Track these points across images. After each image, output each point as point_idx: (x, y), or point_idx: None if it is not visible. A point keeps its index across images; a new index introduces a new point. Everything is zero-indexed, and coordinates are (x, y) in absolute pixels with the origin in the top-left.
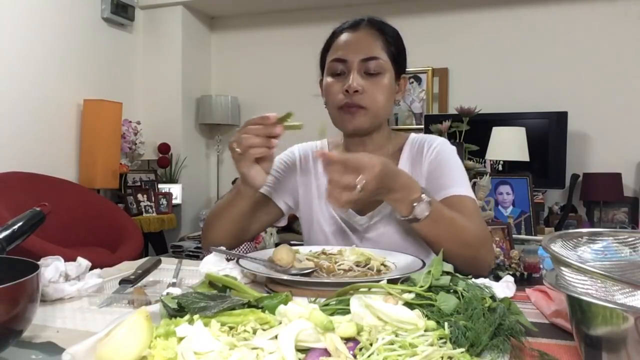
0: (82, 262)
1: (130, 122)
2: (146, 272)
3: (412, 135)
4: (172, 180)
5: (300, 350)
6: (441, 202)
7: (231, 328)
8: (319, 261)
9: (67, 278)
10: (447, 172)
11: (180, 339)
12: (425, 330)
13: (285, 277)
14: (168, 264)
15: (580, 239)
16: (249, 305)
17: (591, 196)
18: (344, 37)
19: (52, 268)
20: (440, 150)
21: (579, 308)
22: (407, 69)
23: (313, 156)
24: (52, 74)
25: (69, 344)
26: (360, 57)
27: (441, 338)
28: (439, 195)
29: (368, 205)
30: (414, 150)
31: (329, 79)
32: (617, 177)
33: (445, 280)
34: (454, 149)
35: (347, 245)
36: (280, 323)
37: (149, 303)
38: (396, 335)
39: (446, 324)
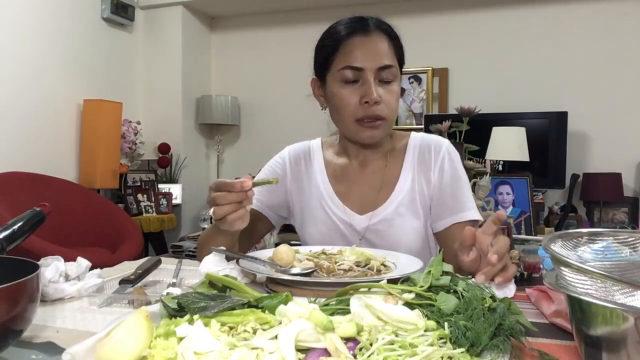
0: (82, 262)
1: (130, 122)
2: (146, 272)
3: (413, 134)
4: (172, 180)
5: (300, 350)
6: (460, 224)
7: (231, 328)
8: (319, 261)
9: (67, 278)
10: (462, 191)
11: (180, 339)
12: (425, 330)
13: (285, 277)
14: (168, 264)
15: (580, 239)
16: (249, 305)
17: (591, 196)
18: (355, 42)
19: (52, 268)
20: (451, 159)
21: (579, 308)
22: (407, 69)
23: (305, 157)
24: (52, 74)
25: (69, 344)
26: (377, 65)
27: (441, 338)
28: (458, 217)
29: (367, 205)
30: (418, 152)
31: (339, 87)
32: (617, 177)
33: (445, 280)
34: (458, 154)
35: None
36: (280, 323)
37: (149, 303)
38: (396, 335)
39: (446, 324)
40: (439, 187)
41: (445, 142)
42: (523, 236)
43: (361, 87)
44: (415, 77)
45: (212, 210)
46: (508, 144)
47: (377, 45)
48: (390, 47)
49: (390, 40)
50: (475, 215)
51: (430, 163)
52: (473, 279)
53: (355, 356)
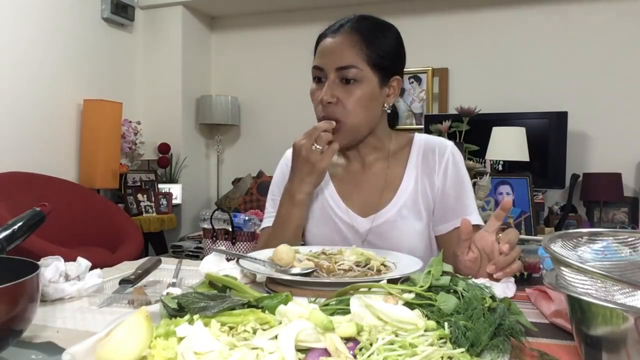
0: (82, 262)
1: (130, 122)
2: (146, 272)
3: (417, 136)
4: (172, 180)
5: (300, 350)
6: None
7: (231, 328)
8: (319, 261)
9: (67, 278)
10: (466, 194)
11: (180, 339)
12: (425, 330)
13: (285, 277)
14: (168, 264)
15: (580, 239)
16: (249, 305)
17: (591, 196)
18: (324, 42)
19: (52, 268)
20: (455, 162)
21: (579, 308)
22: (407, 69)
23: None
24: (52, 74)
25: (69, 344)
26: (335, 65)
27: (441, 338)
28: (460, 221)
29: (370, 207)
30: (422, 154)
31: (312, 86)
32: (617, 177)
33: (445, 280)
34: (462, 157)
35: None
36: (280, 323)
37: (149, 303)
38: (396, 335)
39: (446, 324)
40: (443, 190)
41: (450, 145)
42: (523, 236)
43: (323, 86)
44: (415, 77)
45: (310, 146)
46: (508, 144)
47: (340, 44)
48: (356, 47)
49: (361, 40)
50: (477, 219)
51: (435, 166)
52: (473, 279)
53: (355, 356)
